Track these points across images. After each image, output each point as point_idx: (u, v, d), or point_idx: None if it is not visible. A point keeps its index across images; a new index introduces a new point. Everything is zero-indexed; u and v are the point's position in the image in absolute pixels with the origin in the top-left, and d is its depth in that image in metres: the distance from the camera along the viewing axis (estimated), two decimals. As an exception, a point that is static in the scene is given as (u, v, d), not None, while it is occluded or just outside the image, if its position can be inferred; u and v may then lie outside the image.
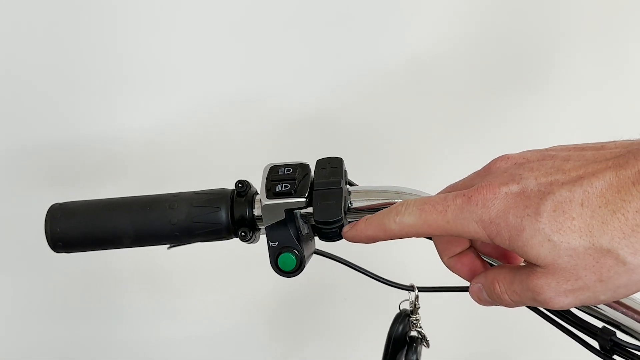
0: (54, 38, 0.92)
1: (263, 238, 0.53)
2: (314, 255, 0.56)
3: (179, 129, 0.97)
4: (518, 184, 0.38)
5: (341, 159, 0.53)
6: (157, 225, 0.52)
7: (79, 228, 0.53)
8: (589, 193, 0.36)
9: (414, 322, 0.59)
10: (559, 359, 0.88)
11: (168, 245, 0.55)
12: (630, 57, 0.98)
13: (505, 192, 0.38)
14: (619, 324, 0.47)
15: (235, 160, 0.98)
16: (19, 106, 0.95)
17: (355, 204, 0.51)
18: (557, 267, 0.36)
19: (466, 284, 0.57)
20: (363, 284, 0.69)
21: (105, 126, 0.96)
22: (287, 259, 0.50)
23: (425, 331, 0.60)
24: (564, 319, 0.51)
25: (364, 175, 0.66)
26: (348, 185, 0.53)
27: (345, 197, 0.50)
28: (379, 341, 0.61)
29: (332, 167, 0.52)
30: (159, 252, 0.59)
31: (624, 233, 0.35)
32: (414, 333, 0.60)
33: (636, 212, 0.34)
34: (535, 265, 0.38)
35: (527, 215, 0.37)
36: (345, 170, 0.52)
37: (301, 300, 1.07)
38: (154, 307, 1.06)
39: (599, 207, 0.35)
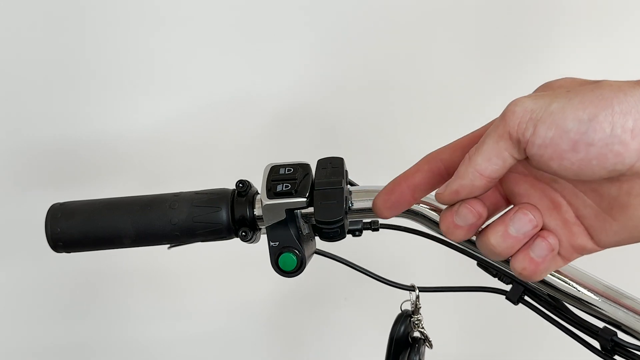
0: (55, 38, 0.92)
1: (264, 238, 0.53)
2: (315, 255, 0.56)
3: (179, 128, 0.97)
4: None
5: (342, 158, 0.53)
6: (157, 225, 0.52)
7: (79, 228, 0.53)
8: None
9: (416, 322, 0.59)
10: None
11: (168, 245, 0.55)
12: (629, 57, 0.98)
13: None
14: (620, 324, 0.47)
15: (235, 160, 0.98)
16: (20, 106, 0.95)
17: (356, 204, 0.51)
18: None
19: (466, 283, 0.57)
20: (364, 284, 0.69)
21: (105, 126, 0.96)
22: (288, 259, 0.50)
23: (427, 331, 0.60)
24: (565, 319, 0.51)
25: (365, 175, 0.66)
26: (349, 185, 0.53)
27: (346, 197, 0.50)
28: (380, 341, 0.60)
29: (333, 167, 0.51)
30: (159, 252, 0.59)
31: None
32: (416, 334, 0.60)
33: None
34: None
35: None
36: (346, 170, 0.52)
37: (302, 300, 1.07)
38: (154, 307, 1.06)
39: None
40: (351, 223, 0.56)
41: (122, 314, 1.06)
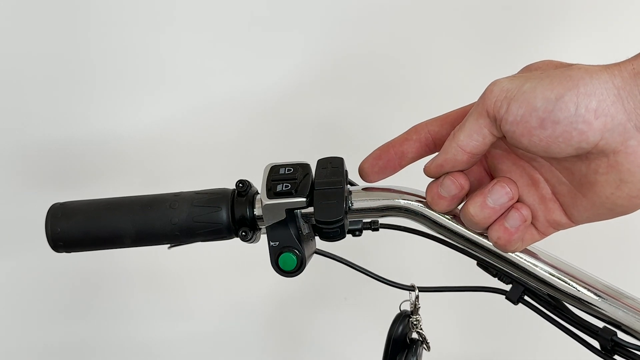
0: (55, 38, 0.92)
1: (264, 238, 0.53)
2: (315, 255, 0.56)
3: (179, 128, 0.97)
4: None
5: (342, 158, 0.53)
6: (157, 225, 0.52)
7: (79, 228, 0.53)
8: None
9: (415, 322, 0.59)
10: None
11: (169, 245, 0.55)
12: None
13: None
14: (619, 324, 0.47)
15: (235, 160, 0.98)
16: (20, 106, 0.95)
17: (356, 204, 0.51)
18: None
19: (466, 283, 0.57)
20: (363, 284, 0.69)
21: (106, 126, 0.96)
22: (288, 259, 0.50)
23: (425, 333, 0.60)
24: (565, 319, 0.51)
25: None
26: (349, 185, 0.53)
27: (346, 196, 0.50)
28: (379, 341, 0.60)
29: (333, 166, 0.52)
30: (159, 252, 0.59)
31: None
32: (414, 335, 0.60)
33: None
34: None
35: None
36: (346, 170, 0.52)
37: (301, 300, 1.07)
38: (155, 306, 1.06)
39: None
40: (351, 223, 0.56)
41: (123, 314, 1.06)
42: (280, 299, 1.07)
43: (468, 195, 0.47)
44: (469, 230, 0.49)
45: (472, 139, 0.44)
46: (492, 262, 0.50)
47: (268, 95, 0.97)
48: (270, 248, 0.50)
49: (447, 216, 0.49)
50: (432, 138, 0.49)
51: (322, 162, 0.52)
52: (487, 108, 0.42)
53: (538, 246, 0.49)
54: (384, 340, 0.60)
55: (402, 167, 0.50)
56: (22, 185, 0.98)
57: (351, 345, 1.09)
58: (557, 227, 0.47)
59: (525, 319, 0.59)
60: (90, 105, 0.96)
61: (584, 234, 1.01)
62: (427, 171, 0.48)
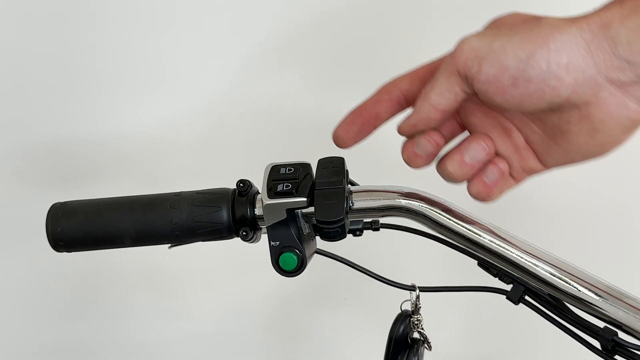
0: (55, 38, 0.92)
1: (264, 237, 0.53)
2: (315, 254, 0.56)
3: (180, 128, 0.97)
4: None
5: (343, 158, 0.53)
6: (158, 225, 0.52)
7: (80, 227, 0.53)
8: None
9: (416, 322, 0.59)
10: None
11: (169, 245, 0.55)
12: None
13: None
14: (620, 324, 0.47)
15: (236, 160, 0.98)
16: (20, 106, 0.95)
17: (357, 204, 0.51)
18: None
19: (467, 283, 0.57)
20: (364, 284, 0.69)
21: (106, 126, 0.96)
22: (289, 259, 0.50)
23: (427, 332, 0.60)
24: (566, 319, 0.51)
25: (366, 175, 0.66)
26: (350, 185, 0.53)
27: (347, 196, 0.50)
28: (381, 341, 0.60)
29: (334, 166, 0.52)
30: (160, 252, 0.59)
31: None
32: (415, 335, 0.60)
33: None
34: None
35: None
36: (347, 170, 0.52)
37: (301, 300, 1.07)
38: (155, 306, 1.06)
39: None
40: (352, 223, 0.56)
41: (123, 314, 1.06)
42: (280, 299, 1.07)
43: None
44: (469, 230, 0.49)
45: (444, 98, 0.44)
46: (492, 262, 0.50)
47: (268, 95, 0.97)
48: (271, 248, 0.50)
49: (448, 216, 0.49)
50: (403, 96, 0.49)
51: (322, 162, 0.53)
52: (458, 67, 0.42)
53: (538, 246, 0.49)
54: (385, 340, 0.60)
55: (376, 128, 0.50)
56: (22, 185, 0.98)
57: (351, 345, 1.09)
58: (531, 173, 0.48)
59: (526, 319, 0.58)
60: (90, 105, 0.95)
61: (584, 234, 1.01)
62: (401, 131, 0.48)
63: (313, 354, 1.11)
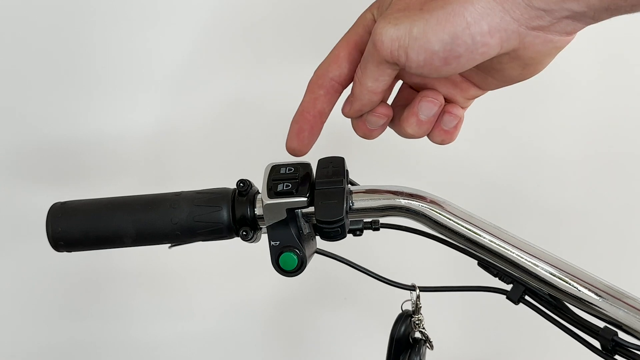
0: (55, 37, 0.92)
1: (264, 237, 0.53)
2: (315, 254, 0.56)
3: (180, 128, 0.97)
4: None
5: (343, 158, 0.53)
6: (158, 225, 0.52)
7: (80, 227, 0.53)
8: None
9: (417, 322, 0.59)
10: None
11: (169, 245, 0.55)
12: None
13: None
14: (620, 324, 0.47)
15: (236, 160, 0.98)
16: (20, 105, 0.95)
17: (357, 204, 0.51)
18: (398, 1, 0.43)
19: (467, 283, 0.57)
20: (364, 284, 0.69)
21: (107, 126, 0.96)
22: (289, 259, 0.50)
23: (428, 332, 0.60)
24: (566, 319, 0.51)
25: (366, 175, 0.66)
26: (350, 185, 0.53)
27: (347, 196, 0.50)
28: (381, 341, 0.61)
29: (334, 166, 0.52)
30: (160, 252, 0.59)
31: None
32: (417, 334, 0.60)
33: None
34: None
35: None
36: (347, 170, 0.52)
37: (301, 300, 1.07)
38: (155, 306, 1.06)
39: None
40: (352, 222, 0.56)
41: (123, 313, 1.06)
42: (280, 299, 1.07)
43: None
44: (469, 230, 0.49)
45: (379, 82, 0.46)
46: (492, 262, 0.50)
47: (269, 95, 0.97)
48: (271, 248, 0.50)
49: (448, 216, 0.49)
50: (337, 83, 0.50)
51: (322, 162, 0.53)
52: (385, 57, 0.43)
53: (539, 246, 0.49)
54: (385, 340, 0.60)
55: (324, 122, 0.51)
56: (22, 185, 0.98)
57: (352, 345, 1.09)
58: (473, 98, 0.51)
59: (526, 319, 0.58)
60: (90, 105, 0.95)
61: (584, 234, 1.01)
62: (348, 116, 0.50)
63: (313, 354, 1.11)
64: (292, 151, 0.51)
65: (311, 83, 0.50)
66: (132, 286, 1.04)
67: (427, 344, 0.60)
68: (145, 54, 0.94)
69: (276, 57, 0.96)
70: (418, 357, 0.58)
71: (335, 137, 1.00)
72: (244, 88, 0.97)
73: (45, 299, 1.04)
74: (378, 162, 0.99)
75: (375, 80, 0.46)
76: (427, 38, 0.41)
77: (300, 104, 0.51)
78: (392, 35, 0.42)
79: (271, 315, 1.08)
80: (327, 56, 0.50)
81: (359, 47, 0.49)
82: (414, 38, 0.41)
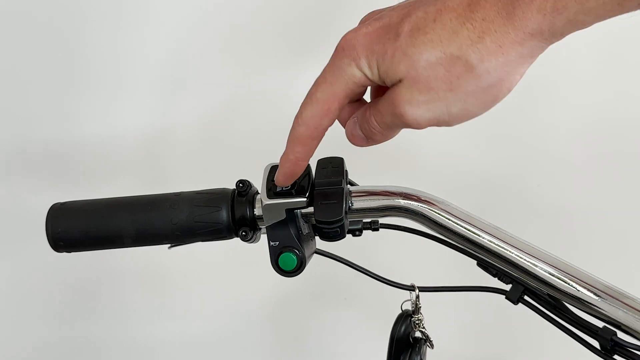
0: (55, 38, 0.93)
1: (264, 238, 0.53)
2: (315, 254, 0.56)
3: (180, 128, 0.97)
4: (378, 20, 0.41)
5: (342, 158, 0.53)
6: (158, 225, 0.52)
7: (80, 228, 0.53)
8: (441, 10, 0.39)
9: (417, 322, 0.59)
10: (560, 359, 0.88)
11: (169, 245, 0.55)
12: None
13: (365, 31, 0.41)
14: (619, 324, 0.47)
15: (236, 160, 0.98)
16: (20, 106, 0.95)
17: (356, 204, 0.51)
18: (412, 78, 0.39)
19: (468, 283, 0.57)
20: (364, 284, 0.69)
21: (106, 126, 0.96)
22: (288, 259, 0.50)
23: (428, 331, 0.60)
24: (565, 319, 0.51)
25: (365, 175, 0.66)
26: (349, 185, 0.53)
27: (346, 196, 0.50)
28: (381, 341, 0.61)
29: (333, 166, 0.52)
30: (160, 252, 0.59)
31: (471, 40, 0.37)
32: (417, 334, 0.60)
33: (483, 20, 0.37)
34: (398, 82, 0.41)
35: (388, 39, 0.40)
36: (346, 170, 0.52)
37: (302, 300, 1.07)
38: (155, 306, 1.06)
39: (450, 20, 0.38)
40: (351, 223, 0.56)
41: (123, 314, 1.06)
42: (280, 299, 1.07)
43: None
44: (468, 230, 0.49)
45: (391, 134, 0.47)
46: (492, 262, 0.50)
47: (269, 95, 0.97)
48: (270, 248, 0.50)
49: (447, 216, 0.49)
50: (327, 129, 0.47)
51: (322, 162, 0.53)
52: (420, 129, 0.42)
53: (538, 246, 0.49)
54: (384, 340, 0.60)
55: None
56: (23, 185, 0.98)
57: (352, 345, 1.09)
58: None
59: (525, 319, 0.59)
60: (90, 106, 0.96)
61: (584, 234, 1.01)
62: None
63: (313, 354, 1.11)
64: (282, 185, 0.49)
65: (303, 136, 0.45)
66: (132, 286, 1.04)
67: (428, 343, 0.60)
68: (145, 54, 0.94)
69: (276, 57, 0.96)
70: (419, 357, 0.58)
71: (335, 137, 1.00)
72: (243, 88, 0.97)
73: (45, 299, 1.04)
74: (377, 162, 0.99)
75: (388, 135, 0.46)
76: (468, 110, 0.40)
77: (291, 152, 0.46)
78: (428, 118, 0.41)
79: (271, 316, 1.08)
80: (313, 106, 0.45)
81: (349, 97, 0.45)
82: (454, 116, 0.41)
